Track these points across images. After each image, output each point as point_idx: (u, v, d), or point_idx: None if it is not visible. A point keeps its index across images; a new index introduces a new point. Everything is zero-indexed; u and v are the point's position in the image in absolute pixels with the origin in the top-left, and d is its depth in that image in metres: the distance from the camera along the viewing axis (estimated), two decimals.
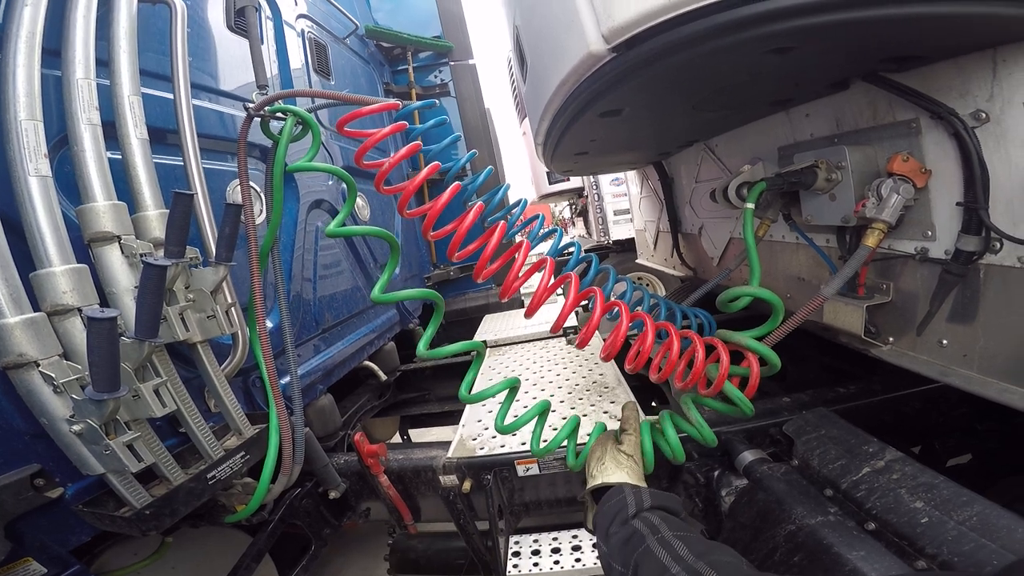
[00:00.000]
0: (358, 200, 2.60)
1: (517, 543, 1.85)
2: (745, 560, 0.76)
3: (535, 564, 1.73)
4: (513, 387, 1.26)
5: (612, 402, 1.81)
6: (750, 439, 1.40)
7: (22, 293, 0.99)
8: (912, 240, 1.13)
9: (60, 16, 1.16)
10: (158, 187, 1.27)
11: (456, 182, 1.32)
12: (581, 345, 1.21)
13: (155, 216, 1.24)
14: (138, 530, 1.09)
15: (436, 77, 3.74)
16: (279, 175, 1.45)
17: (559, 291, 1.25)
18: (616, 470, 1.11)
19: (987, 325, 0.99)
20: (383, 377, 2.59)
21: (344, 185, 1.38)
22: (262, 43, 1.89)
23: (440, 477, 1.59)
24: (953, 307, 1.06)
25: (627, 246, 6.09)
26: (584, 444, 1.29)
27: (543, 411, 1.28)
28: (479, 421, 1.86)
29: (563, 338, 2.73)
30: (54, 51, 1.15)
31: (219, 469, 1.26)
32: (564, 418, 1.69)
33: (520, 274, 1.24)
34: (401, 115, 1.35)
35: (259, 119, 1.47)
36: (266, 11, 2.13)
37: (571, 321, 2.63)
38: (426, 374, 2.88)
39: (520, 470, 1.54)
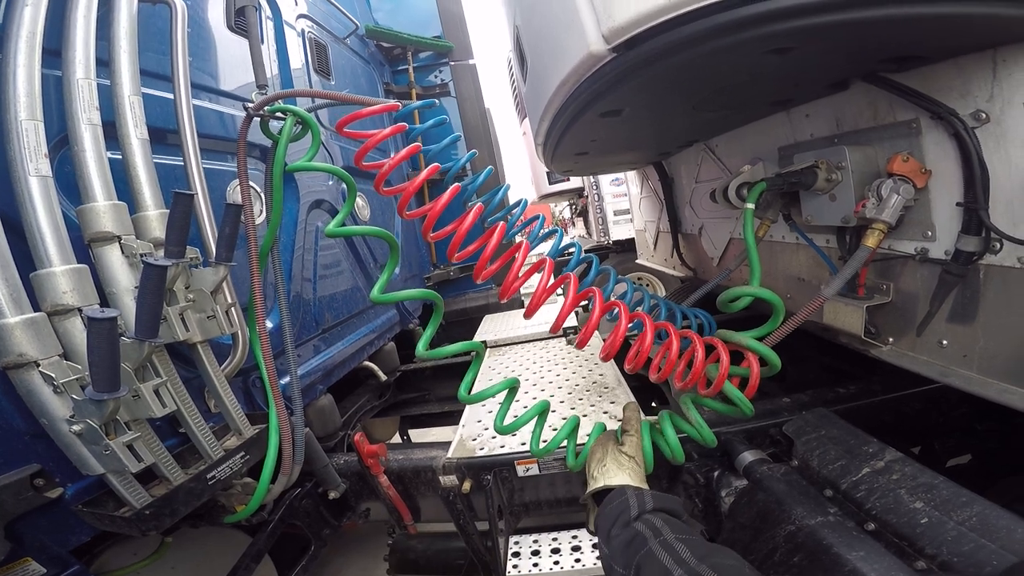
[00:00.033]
0: (358, 200, 2.60)
1: (517, 543, 1.85)
2: (747, 563, 0.76)
3: (535, 564, 1.73)
4: (512, 387, 1.26)
5: (612, 402, 1.81)
6: (750, 439, 1.40)
7: (22, 293, 0.99)
8: (912, 240, 1.13)
9: (60, 16, 1.16)
10: (158, 187, 1.27)
11: (456, 183, 1.32)
12: (580, 345, 1.21)
13: (155, 216, 1.24)
14: (138, 530, 1.09)
15: (436, 77, 3.74)
16: (279, 175, 1.45)
17: (559, 291, 1.25)
18: (618, 472, 1.11)
19: (987, 325, 0.99)
20: (383, 377, 2.59)
21: (344, 185, 1.38)
22: (262, 43, 1.89)
23: (440, 477, 1.59)
24: (953, 307, 1.06)
25: (627, 246, 6.09)
26: (584, 444, 1.29)
27: (542, 411, 1.28)
28: (479, 421, 1.86)
29: (563, 338, 2.73)
30: (54, 51, 1.15)
31: (219, 469, 1.26)
32: (564, 418, 1.69)
33: (519, 275, 1.24)
34: (401, 115, 1.35)
35: (259, 119, 1.47)
36: (266, 11, 2.13)
37: (571, 321, 2.63)
38: (426, 374, 2.88)
39: (520, 470, 1.54)
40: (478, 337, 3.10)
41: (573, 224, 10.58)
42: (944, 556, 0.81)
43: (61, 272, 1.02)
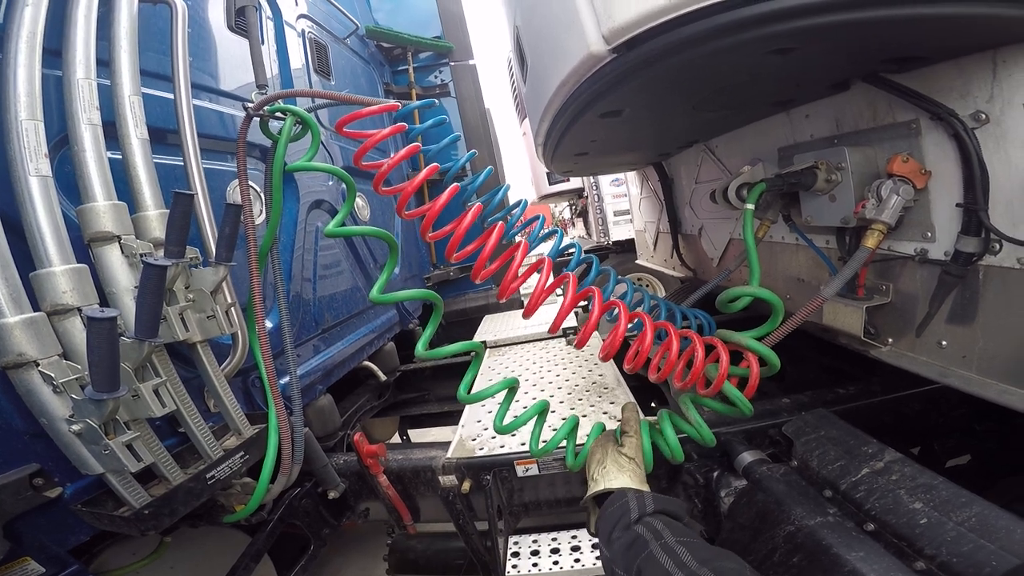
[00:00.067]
0: (358, 200, 2.60)
1: (516, 543, 1.85)
2: (749, 566, 0.76)
3: (534, 564, 1.73)
4: (512, 387, 1.26)
5: (611, 402, 1.81)
6: (749, 440, 1.40)
7: (22, 293, 0.99)
8: (912, 241, 1.13)
9: (61, 16, 1.16)
10: (158, 187, 1.27)
11: (455, 183, 1.32)
12: (580, 345, 1.21)
13: (155, 216, 1.24)
14: (137, 530, 1.09)
15: (436, 77, 3.74)
16: (278, 175, 1.45)
17: (559, 292, 1.25)
18: (618, 474, 1.10)
19: (986, 326, 0.99)
20: (383, 377, 2.59)
21: (344, 185, 1.38)
22: (262, 43, 1.89)
23: (439, 477, 1.59)
24: (952, 308, 1.06)
25: (627, 247, 6.10)
26: (583, 444, 1.29)
27: (542, 411, 1.28)
28: (479, 421, 1.86)
29: (563, 339, 2.73)
30: (55, 51, 1.15)
31: (218, 469, 1.26)
32: (563, 418, 1.69)
33: (518, 274, 1.24)
34: (400, 115, 1.35)
35: (259, 119, 1.47)
36: (266, 11, 2.13)
37: (570, 322, 2.63)
38: (426, 374, 2.88)
39: (519, 470, 1.54)
40: (478, 337, 3.10)
41: (573, 225, 10.58)
42: (943, 557, 0.81)
43: (61, 272, 1.02)
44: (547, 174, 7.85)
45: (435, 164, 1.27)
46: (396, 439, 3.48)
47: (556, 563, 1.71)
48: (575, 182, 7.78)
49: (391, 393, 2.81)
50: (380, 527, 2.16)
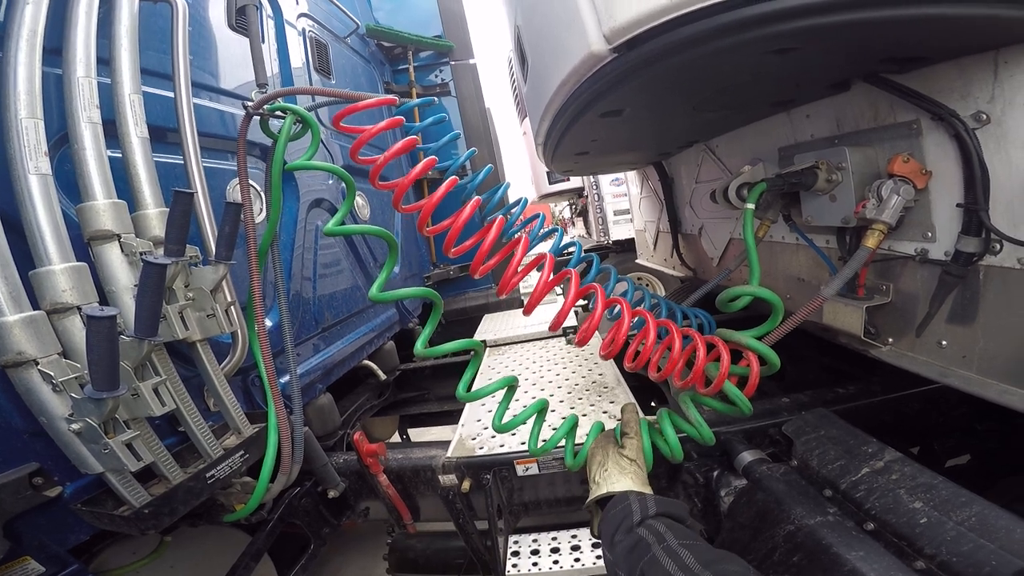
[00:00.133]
0: (357, 199, 2.60)
1: (516, 543, 1.85)
2: (752, 568, 0.76)
3: (534, 564, 1.73)
4: (511, 386, 1.26)
5: (611, 402, 1.81)
6: (749, 439, 1.40)
7: (21, 291, 0.99)
8: (912, 241, 1.13)
9: (61, 14, 1.16)
10: (158, 185, 1.27)
11: (453, 175, 1.31)
12: (581, 343, 1.21)
13: (155, 214, 1.24)
14: (137, 529, 1.09)
15: (437, 76, 3.74)
16: (278, 173, 1.45)
17: (559, 292, 1.25)
18: (620, 477, 1.10)
19: (987, 326, 0.99)
20: (382, 376, 2.59)
21: (344, 184, 1.38)
22: (263, 42, 1.89)
23: (439, 476, 1.59)
24: (953, 308, 1.06)
25: (627, 246, 6.10)
26: (582, 444, 1.29)
27: (541, 410, 1.28)
28: (478, 421, 1.86)
29: (562, 338, 2.73)
30: (55, 49, 1.14)
31: (218, 468, 1.25)
32: (563, 417, 1.70)
33: (518, 269, 1.23)
34: (400, 112, 1.35)
35: (259, 118, 1.47)
36: (267, 10, 2.13)
37: (570, 321, 2.63)
38: (426, 373, 2.88)
39: (519, 470, 1.54)
40: (477, 336, 3.10)
41: (573, 224, 10.58)
42: (943, 556, 0.81)
43: (60, 270, 1.02)
44: (547, 173, 7.84)
45: (433, 157, 1.27)
46: (396, 438, 3.48)
47: (556, 562, 1.71)
48: (575, 181, 7.78)
49: (391, 392, 2.81)
50: (380, 526, 2.16)
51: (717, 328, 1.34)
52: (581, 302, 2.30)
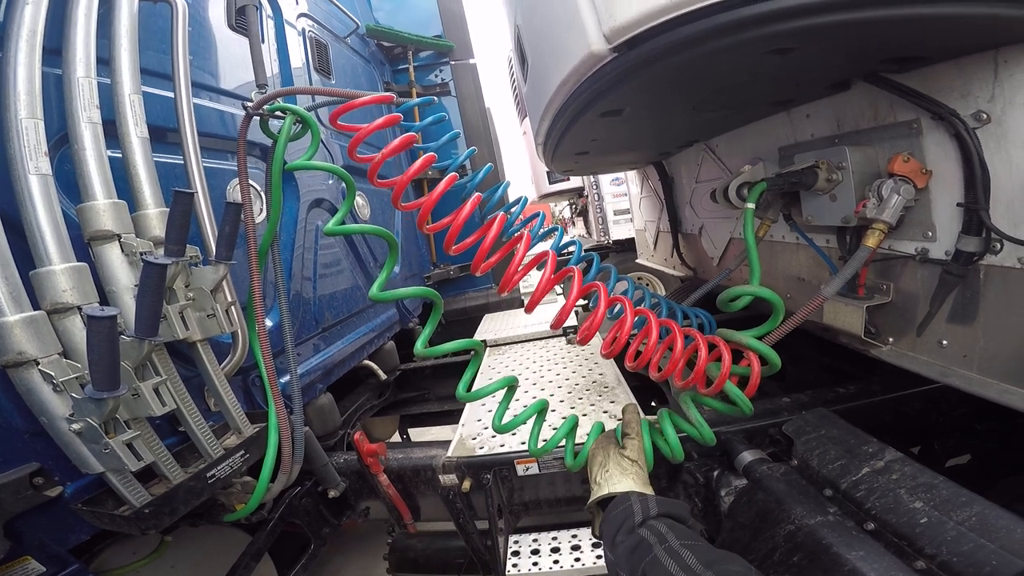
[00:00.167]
0: (357, 199, 2.60)
1: (516, 542, 1.85)
2: (754, 568, 0.76)
3: (534, 564, 1.73)
4: (511, 386, 1.26)
5: (612, 402, 1.81)
6: (749, 439, 1.40)
7: (22, 291, 0.99)
8: (912, 241, 1.13)
9: (61, 14, 1.16)
10: (158, 185, 1.27)
11: (454, 172, 1.31)
12: (583, 341, 1.20)
13: (155, 214, 1.24)
14: (137, 529, 1.09)
15: (437, 76, 3.74)
16: (278, 173, 1.45)
17: (559, 291, 1.25)
18: (622, 478, 1.10)
19: (987, 326, 0.99)
20: (383, 376, 2.59)
21: (344, 184, 1.38)
22: (263, 42, 1.89)
23: (439, 476, 1.59)
24: (953, 308, 1.06)
25: (627, 246, 6.10)
26: (582, 444, 1.29)
27: (541, 410, 1.28)
28: (479, 420, 1.86)
29: (563, 338, 2.73)
30: (55, 49, 1.14)
31: (218, 468, 1.26)
32: (564, 417, 1.69)
33: (520, 267, 1.23)
34: (400, 112, 1.35)
35: (259, 118, 1.47)
36: (267, 10, 2.13)
37: (570, 321, 2.63)
38: (426, 373, 2.88)
39: (520, 469, 1.54)
40: (478, 336, 3.10)
41: (573, 224, 10.57)
42: (943, 556, 0.81)
43: (61, 270, 1.02)
44: (547, 173, 7.84)
45: (432, 154, 1.27)
46: (396, 438, 3.48)
47: (556, 562, 1.71)
48: (575, 181, 7.78)
49: (391, 392, 2.81)
50: (380, 526, 2.16)
51: (718, 328, 1.34)
52: (581, 302, 2.30)
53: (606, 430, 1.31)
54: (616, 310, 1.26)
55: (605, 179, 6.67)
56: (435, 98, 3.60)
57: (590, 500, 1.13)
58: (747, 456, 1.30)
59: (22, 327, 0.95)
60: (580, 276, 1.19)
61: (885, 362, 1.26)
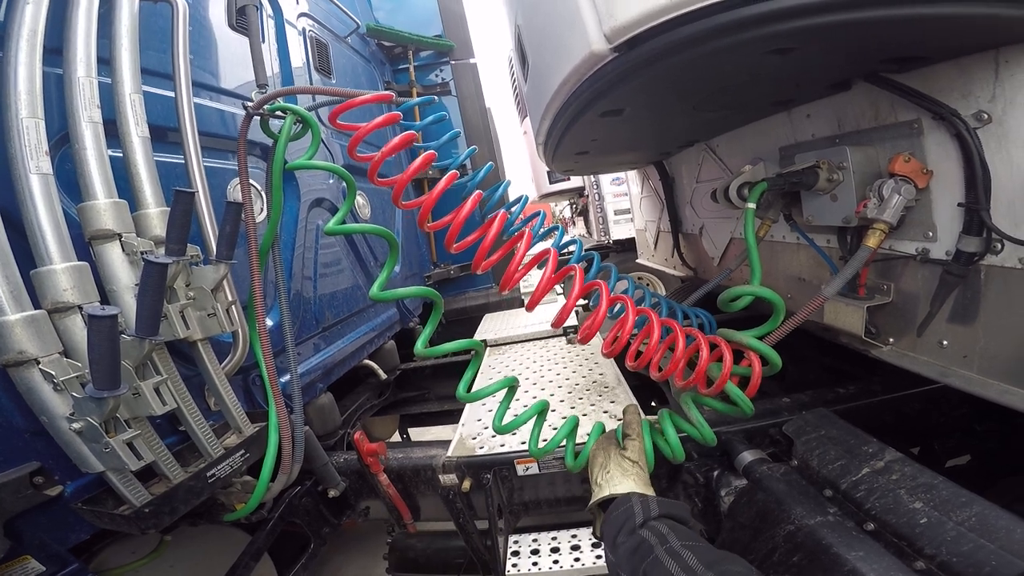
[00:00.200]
0: (358, 198, 2.60)
1: (516, 542, 1.85)
2: (755, 569, 0.76)
3: (534, 564, 1.73)
4: (511, 386, 1.26)
5: (612, 402, 1.81)
6: (750, 439, 1.40)
7: (23, 290, 0.99)
8: (913, 241, 1.13)
9: (62, 14, 1.16)
10: (159, 185, 1.27)
11: (454, 170, 1.31)
12: (584, 341, 1.20)
13: (156, 214, 1.24)
14: (137, 528, 1.09)
15: (437, 76, 3.74)
16: (278, 173, 1.45)
17: (559, 291, 1.25)
18: (623, 479, 1.10)
19: (988, 326, 0.99)
20: (383, 376, 2.59)
21: (344, 183, 1.38)
22: (263, 42, 1.89)
23: (439, 476, 1.59)
24: (954, 308, 1.06)
25: (627, 246, 6.10)
26: (583, 444, 1.29)
27: (541, 411, 1.28)
28: (479, 420, 1.86)
29: (563, 337, 2.73)
30: (56, 49, 1.14)
31: (219, 467, 1.26)
32: (564, 417, 1.69)
33: (521, 266, 1.23)
34: (400, 111, 1.35)
35: (259, 118, 1.47)
36: (267, 9, 2.13)
37: (570, 320, 2.63)
38: (426, 373, 2.89)
39: (520, 469, 1.54)
40: (478, 336, 3.10)
41: (573, 223, 10.57)
42: (943, 556, 0.81)
43: (62, 270, 1.02)
44: (547, 172, 7.85)
45: (432, 152, 1.27)
46: (396, 438, 3.48)
47: (556, 562, 1.71)
48: (575, 181, 7.78)
49: (391, 392, 2.81)
50: (380, 526, 2.16)
51: (718, 328, 1.34)
52: (581, 302, 2.30)
53: (607, 431, 1.31)
54: (616, 309, 1.26)
55: (605, 179, 6.67)
56: (435, 97, 3.60)
57: (591, 502, 1.13)
58: (747, 456, 1.30)
59: (23, 326, 0.96)
60: (582, 274, 1.19)
61: (885, 362, 1.26)
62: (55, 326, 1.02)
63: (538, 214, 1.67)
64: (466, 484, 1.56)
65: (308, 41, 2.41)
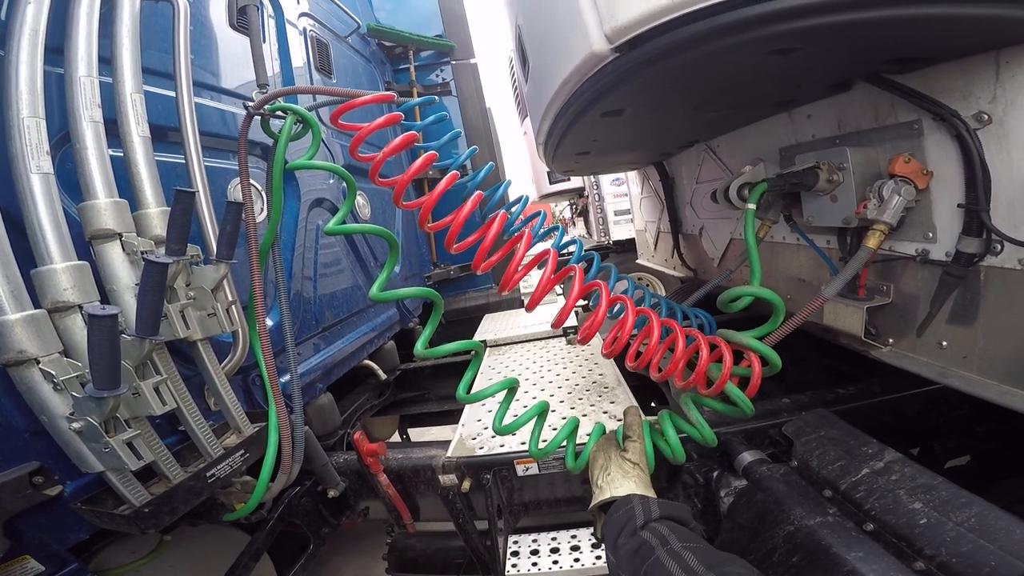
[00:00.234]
0: (358, 198, 2.60)
1: (516, 543, 1.85)
2: (756, 570, 0.76)
3: (534, 564, 1.73)
4: (511, 387, 1.26)
5: (612, 402, 1.81)
6: (749, 440, 1.40)
7: (23, 290, 0.99)
8: (913, 242, 1.13)
9: (63, 14, 1.16)
10: (159, 185, 1.27)
11: (454, 171, 1.31)
12: (584, 341, 1.20)
13: (156, 214, 1.24)
14: (137, 528, 1.09)
15: (438, 76, 3.74)
16: (279, 173, 1.45)
17: (559, 291, 1.25)
18: (624, 481, 1.10)
19: (987, 327, 0.99)
20: (383, 376, 2.59)
21: (345, 184, 1.38)
22: (264, 41, 1.89)
23: (439, 476, 1.59)
24: (953, 309, 1.06)
25: (627, 246, 6.10)
26: (583, 444, 1.29)
27: (542, 412, 1.28)
28: (479, 420, 1.86)
29: (563, 338, 2.73)
30: (57, 48, 1.14)
31: (218, 467, 1.26)
32: (564, 418, 1.69)
33: (521, 266, 1.23)
34: (400, 111, 1.35)
35: (260, 117, 1.47)
36: (268, 9, 2.13)
37: (570, 321, 2.63)
38: (426, 373, 2.88)
39: (519, 470, 1.54)
40: (478, 336, 3.10)
41: (573, 224, 10.58)
42: (943, 557, 0.81)
43: (62, 269, 1.02)
44: (548, 173, 7.85)
45: (433, 152, 1.27)
46: (396, 438, 3.48)
47: (556, 562, 1.71)
48: (576, 181, 7.79)
49: (391, 392, 2.81)
50: (380, 526, 2.16)
51: (718, 328, 1.34)
52: (581, 302, 2.30)
53: (607, 432, 1.31)
54: (616, 309, 1.26)
55: (606, 179, 6.68)
56: (436, 98, 3.60)
57: (592, 504, 1.13)
58: (747, 457, 1.30)
59: (23, 325, 0.95)
60: (582, 274, 1.19)
61: (885, 363, 1.26)
62: (55, 325, 1.02)
63: (538, 214, 1.67)
64: (466, 484, 1.56)
65: (309, 41, 2.41)
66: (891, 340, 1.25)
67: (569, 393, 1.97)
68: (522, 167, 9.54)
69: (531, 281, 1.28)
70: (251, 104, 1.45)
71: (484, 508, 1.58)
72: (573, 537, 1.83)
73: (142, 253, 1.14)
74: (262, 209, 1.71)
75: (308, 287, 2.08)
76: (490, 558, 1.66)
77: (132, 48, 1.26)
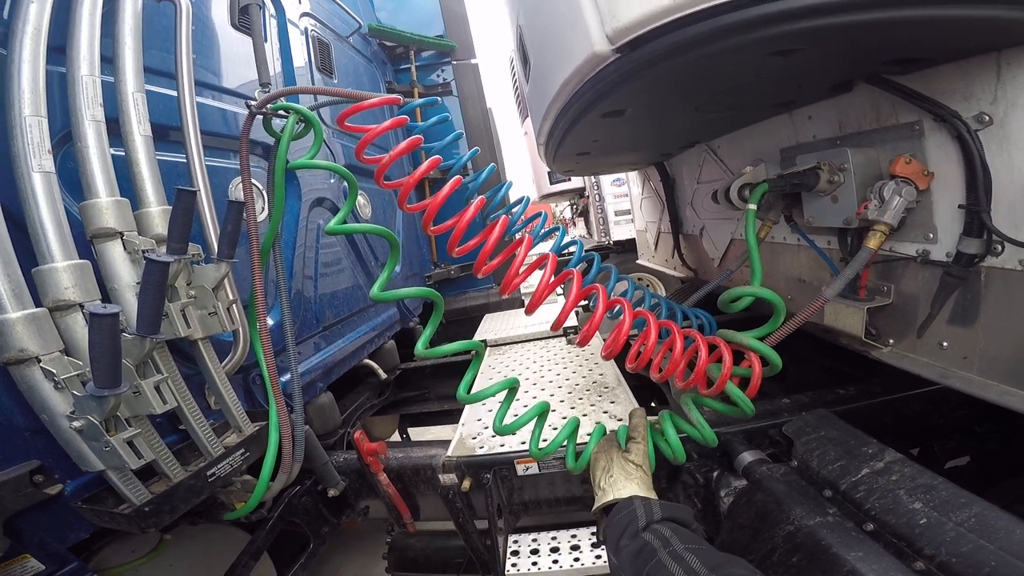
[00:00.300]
0: (359, 198, 2.60)
1: (516, 542, 1.85)
2: (759, 572, 0.76)
3: (534, 563, 1.73)
4: (512, 387, 1.26)
5: (612, 402, 1.81)
6: (749, 440, 1.40)
7: (24, 288, 0.99)
8: (914, 242, 1.13)
9: (66, 13, 1.16)
10: (161, 184, 1.27)
11: (457, 176, 1.32)
12: (583, 342, 1.21)
13: (158, 212, 1.24)
14: (137, 527, 1.09)
15: (438, 76, 3.74)
16: (280, 172, 1.45)
17: (559, 291, 1.25)
18: (626, 483, 1.10)
19: (988, 328, 0.99)
20: (383, 375, 2.59)
21: (346, 183, 1.38)
22: (265, 41, 1.89)
23: (439, 476, 1.59)
24: (954, 309, 1.06)
25: (628, 247, 6.10)
26: (584, 445, 1.29)
27: (542, 412, 1.28)
28: (479, 420, 1.86)
29: (563, 338, 2.73)
30: (59, 47, 1.15)
31: (219, 466, 1.26)
32: (564, 418, 1.69)
33: (521, 270, 1.24)
34: (403, 112, 1.35)
35: (261, 117, 1.47)
36: (270, 9, 2.13)
37: (571, 321, 2.63)
38: (426, 373, 2.88)
39: (520, 469, 1.54)
40: (478, 336, 3.10)
41: (574, 224, 10.58)
42: (943, 557, 0.81)
43: (63, 268, 1.02)
44: (548, 173, 7.85)
45: (437, 157, 1.27)
46: (396, 437, 3.48)
47: (556, 562, 1.71)
48: (576, 181, 7.79)
49: (391, 391, 2.81)
50: (380, 525, 2.16)
51: (718, 329, 1.34)
52: (582, 303, 2.30)
53: (607, 432, 1.31)
54: (616, 311, 1.26)
55: (606, 179, 6.68)
56: (438, 99, 3.60)
57: (595, 506, 1.13)
58: (747, 457, 1.30)
59: (24, 324, 0.96)
60: (580, 278, 1.20)
61: (885, 364, 1.26)
62: (56, 324, 1.02)
63: (539, 215, 1.68)
64: (466, 484, 1.56)
65: (310, 41, 2.41)
66: (891, 341, 1.25)
67: (569, 393, 1.97)
68: (523, 167, 9.55)
69: (532, 281, 1.28)
70: (254, 103, 1.45)
71: (484, 507, 1.58)
72: (573, 537, 1.83)
73: (143, 252, 1.14)
74: (263, 208, 1.71)
75: (309, 286, 2.08)
76: (490, 557, 1.66)
77: (134, 47, 1.26)
